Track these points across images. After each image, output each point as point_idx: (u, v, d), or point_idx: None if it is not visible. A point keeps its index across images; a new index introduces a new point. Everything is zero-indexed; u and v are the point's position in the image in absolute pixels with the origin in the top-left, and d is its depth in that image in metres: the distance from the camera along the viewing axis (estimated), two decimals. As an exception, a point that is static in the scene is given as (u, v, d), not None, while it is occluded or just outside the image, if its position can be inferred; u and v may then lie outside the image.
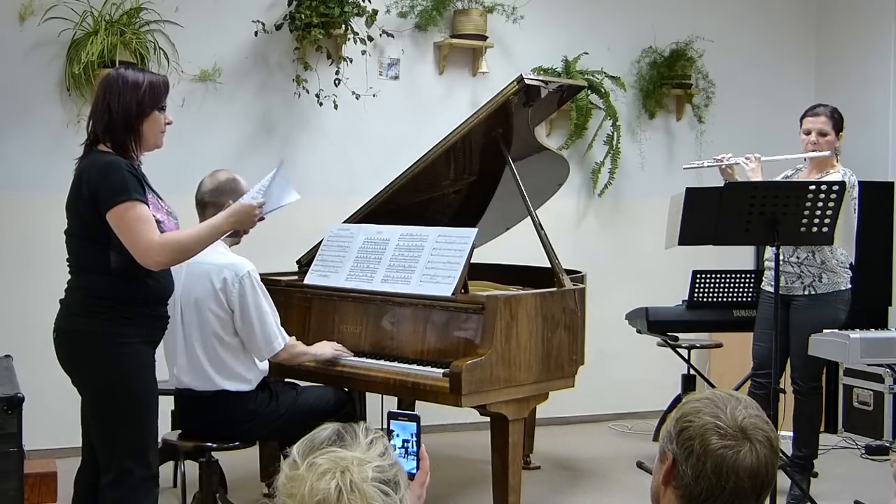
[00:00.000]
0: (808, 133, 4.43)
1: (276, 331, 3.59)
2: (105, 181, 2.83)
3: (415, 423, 1.91)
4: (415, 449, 1.89)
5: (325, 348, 3.87)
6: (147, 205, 2.87)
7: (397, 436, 1.91)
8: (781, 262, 4.36)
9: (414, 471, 1.87)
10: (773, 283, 4.43)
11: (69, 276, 3.00)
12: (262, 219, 3.15)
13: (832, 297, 4.38)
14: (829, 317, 4.32)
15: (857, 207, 4.34)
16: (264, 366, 3.69)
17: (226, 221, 3.02)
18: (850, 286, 4.43)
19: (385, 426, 1.93)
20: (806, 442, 4.50)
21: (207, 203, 3.60)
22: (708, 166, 4.52)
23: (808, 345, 4.08)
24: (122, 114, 2.91)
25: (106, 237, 2.86)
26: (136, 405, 2.92)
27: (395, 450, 1.88)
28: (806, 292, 4.39)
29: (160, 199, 3.05)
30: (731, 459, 1.61)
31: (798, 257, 4.37)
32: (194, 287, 3.55)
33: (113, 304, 2.89)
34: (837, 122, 4.44)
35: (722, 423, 1.64)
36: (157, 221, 2.93)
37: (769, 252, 4.51)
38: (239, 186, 3.60)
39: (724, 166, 4.41)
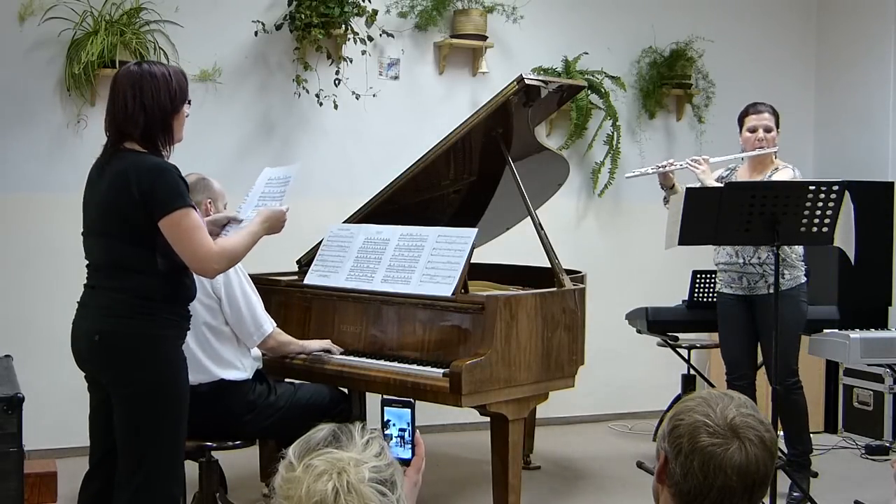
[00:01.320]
0: (753, 131, 4.45)
1: (263, 315, 3.66)
2: (158, 185, 2.79)
3: (409, 410, 1.91)
4: (410, 437, 1.89)
5: (314, 344, 3.91)
6: (197, 210, 2.87)
7: (393, 425, 1.91)
8: (741, 264, 4.39)
9: (410, 457, 1.88)
10: (731, 285, 4.48)
11: (99, 278, 2.93)
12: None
13: (795, 291, 4.41)
14: (797, 311, 4.38)
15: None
16: (256, 353, 3.74)
17: (261, 227, 3.10)
18: (806, 279, 4.47)
19: (379, 415, 1.93)
20: (798, 439, 4.51)
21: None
22: (651, 173, 4.49)
23: (781, 342, 4.10)
24: (158, 112, 2.86)
25: (152, 239, 2.83)
26: (176, 407, 2.91)
27: (391, 439, 1.89)
28: (771, 290, 4.40)
29: None
30: (718, 457, 1.61)
31: (759, 258, 4.39)
32: None
33: (161, 306, 2.87)
34: (778, 119, 4.50)
35: (711, 421, 1.64)
36: None
37: (722, 254, 4.52)
38: (209, 185, 3.67)
39: (667, 172, 4.40)
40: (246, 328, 3.62)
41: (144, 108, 2.86)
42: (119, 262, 2.89)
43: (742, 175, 4.53)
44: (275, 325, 3.72)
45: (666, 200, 4.55)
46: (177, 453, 2.96)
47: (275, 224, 3.15)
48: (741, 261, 4.42)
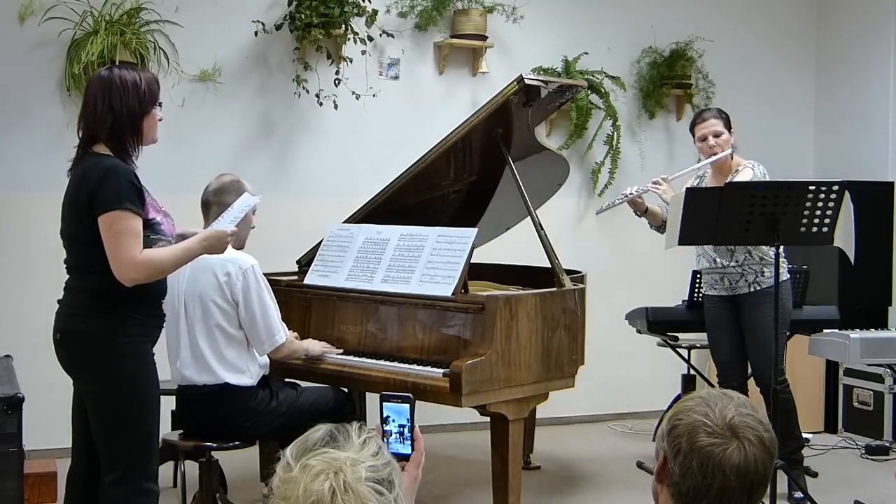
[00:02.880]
0: (703, 140, 4.46)
1: (278, 325, 3.66)
2: (103, 186, 2.83)
3: (408, 405, 1.91)
4: (410, 432, 1.89)
5: (314, 345, 3.91)
6: (141, 217, 2.87)
7: (392, 420, 1.91)
8: (722, 266, 4.39)
9: (409, 452, 1.88)
10: (714, 287, 4.49)
11: (68, 277, 3.00)
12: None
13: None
14: (780, 308, 4.35)
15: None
16: (264, 361, 3.73)
17: (199, 245, 3.03)
18: (789, 276, 4.46)
19: (378, 411, 1.93)
20: (790, 436, 4.50)
21: (211, 202, 3.67)
22: (619, 203, 4.50)
23: (765, 341, 4.09)
24: (126, 114, 2.90)
25: None
26: (140, 404, 2.93)
27: (390, 434, 1.88)
28: (752, 289, 4.40)
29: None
30: (717, 457, 1.61)
31: (737, 260, 4.39)
32: (198, 281, 3.59)
33: (117, 304, 2.89)
34: (726, 121, 4.51)
35: (710, 420, 1.63)
36: (156, 223, 2.94)
37: (702, 262, 4.52)
38: (242, 187, 3.65)
39: (632, 198, 4.40)
40: (259, 336, 3.62)
41: (112, 109, 2.90)
42: (79, 263, 2.95)
43: (710, 182, 4.53)
44: (288, 334, 3.71)
45: (651, 225, 4.57)
46: (149, 450, 2.97)
47: (216, 244, 3.08)
48: (719, 266, 4.44)
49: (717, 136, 4.43)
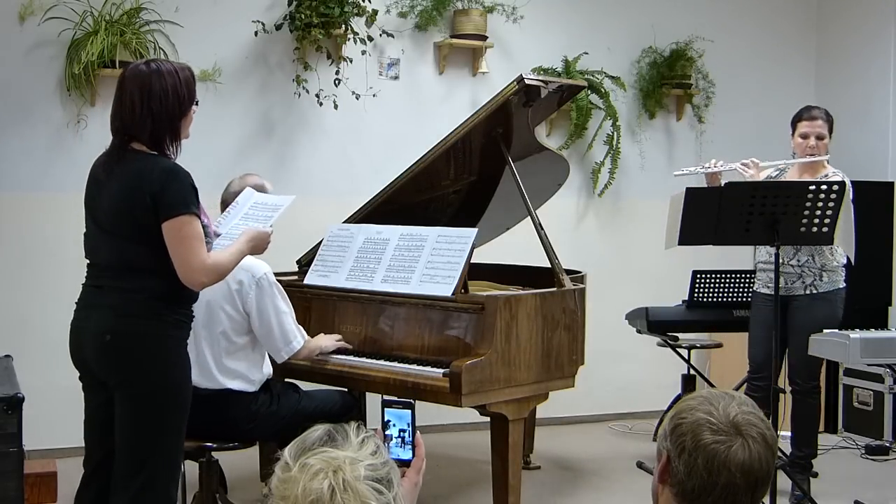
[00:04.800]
0: (805, 137, 4.42)
1: (294, 330, 3.66)
2: (168, 189, 2.79)
3: (409, 411, 1.91)
4: (411, 438, 1.90)
5: (326, 341, 3.90)
6: (200, 219, 2.87)
7: (393, 426, 1.91)
8: (781, 265, 4.37)
9: (410, 458, 1.88)
10: (768, 286, 4.45)
11: (106, 278, 2.91)
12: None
13: (832, 294, 4.40)
14: (830, 314, 4.35)
15: (853, 208, 4.34)
16: (268, 368, 3.72)
17: (247, 246, 3.07)
18: (845, 284, 4.45)
19: (380, 416, 1.93)
20: (807, 442, 4.51)
21: (231, 202, 3.64)
22: (700, 172, 4.44)
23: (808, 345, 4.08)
24: (166, 117, 2.87)
25: (163, 240, 2.83)
26: (181, 408, 2.92)
27: (391, 439, 1.89)
28: (807, 291, 4.39)
29: None
30: (722, 454, 1.61)
31: (798, 261, 4.37)
32: (208, 288, 3.56)
33: (169, 307, 2.88)
34: (832, 125, 4.47)
35: (714, 418, 1.64)
36: (205, 225, 2.92)
37: (762, 253, 4.51)
38: (265, 188, 3.66)
39: (714, 173, 4.37)
40: (275, 344, 3.63)
41: (153, 112, 2.85)
42: (130, 263, 2.88)
43: (792, 178, 4.50)
44: (305, 337, 3.72)
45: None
46: (177, 455, 2.96)
47: (259, 245, 3.12)
48: (780, 261, 4.40)
49: (820, 138, 4.41)
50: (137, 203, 2.81)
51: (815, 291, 4.37)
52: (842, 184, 3.88)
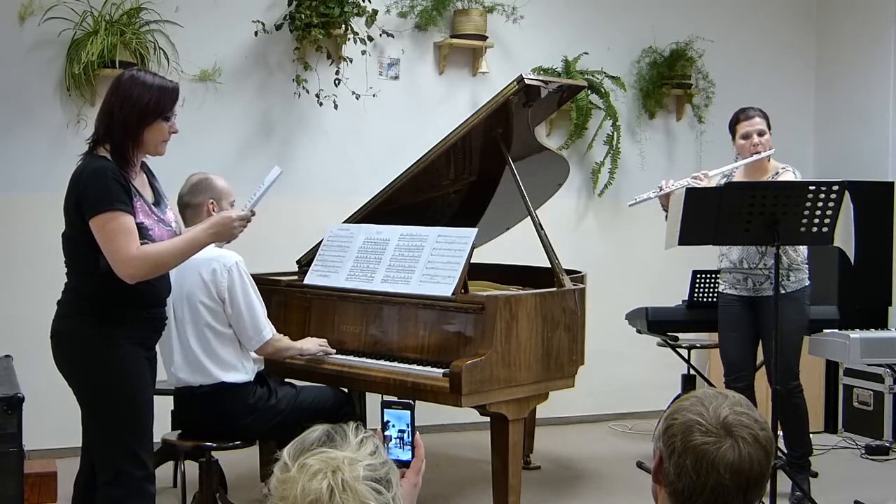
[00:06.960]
0: (747, 137, 4.42)
1: (264, 321, 3.66)
2: (90, 188, 2.83)
3: (409, 412, 1.91)
4: (410, 439, 1.90)
5: (310, 344, 3.89)
6: (132, 214, 2.85)
7: (393, 426, 1.91)
8: (750, 268, 4.38)
9: (409, 459, 1.88)
10: (735, 286, 4.46)
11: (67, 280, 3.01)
12: (248, 221, 3.12)
13: (800, 293, 4.41)
14: (800, 313, 4.38)
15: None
16: (257, 356, 3.73)
17: (205, 234, 3.01)
18: (809, 282, 4.47)
19: (380, 416, 1.94)
20: (799, 441, 4.51)
21: (186, 204, 3.69)
22: (654, 197, 4.37)
23: (784, 344, 4.08)
24: (122, 119, 2.88)
25: (94, 240, 2.85)
26: (128, 406, 2.92)
27: (391, 440, 1.89)
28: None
29: (157, 204, 3.02)
30: (711, 455, 1.61)
31: (766, 264, 4.36)
32: (185, 282, 3.57)
33: (100, 306, 2.89)
34: (769, 121, 4.48)
35: (704, 419, 1.63)
36: (144, 227, 2.90)
37: (725, 263, 4.51)
38: (213, 184, 3.67)
39: (668, 193, 4.28)
40: (246, 332, 3.62)
41: (112, 116, 2.90)
42: (70, 263, 2.97)
43: (740, 180, 4.50)
44: (274, 331, 3.70)
45: (667, 217, 4.53)
46: (140, 450, 2.94)
47: (222, 231, 3.03)
48: (745, 268, 4.42)
49: (761, 134, 4.41)
50: (70, 204, 2.89)
51: (783, 291, 4.36)
52: (842, 184, 3.88)
